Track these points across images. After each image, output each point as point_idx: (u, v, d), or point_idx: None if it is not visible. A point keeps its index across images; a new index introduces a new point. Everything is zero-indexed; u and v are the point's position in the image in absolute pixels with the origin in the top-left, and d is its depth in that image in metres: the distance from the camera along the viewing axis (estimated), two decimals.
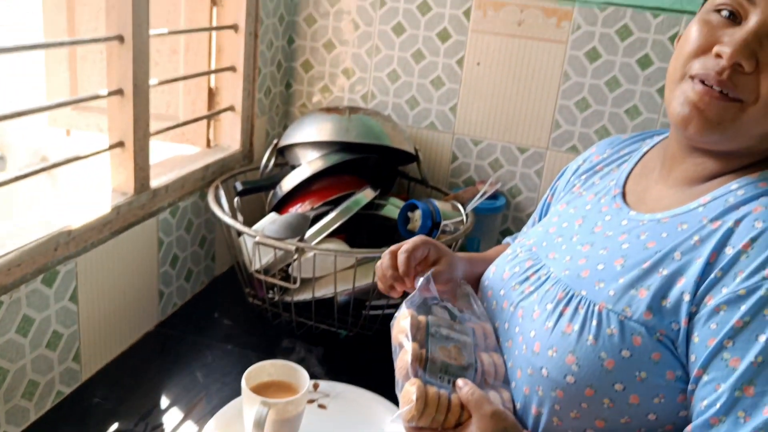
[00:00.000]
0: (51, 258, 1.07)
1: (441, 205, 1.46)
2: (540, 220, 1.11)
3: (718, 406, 0.68)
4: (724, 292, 0.71)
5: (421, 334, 0.85)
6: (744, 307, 0.69)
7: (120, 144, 1.24)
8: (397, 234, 1.46)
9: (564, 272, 0.85)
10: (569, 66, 1.60)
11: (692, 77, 0.76)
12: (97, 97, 1.18)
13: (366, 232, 1.54)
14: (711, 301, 0.71)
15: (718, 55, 0.74)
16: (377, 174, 1.61)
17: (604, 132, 1.61)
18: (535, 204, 1.71)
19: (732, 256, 0.71)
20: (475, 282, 1.04)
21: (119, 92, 1.20)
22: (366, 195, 1.39)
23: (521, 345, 0.86)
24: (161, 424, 1.11)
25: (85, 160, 1.17)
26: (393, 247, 1.00)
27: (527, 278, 0.90)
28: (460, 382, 0.81)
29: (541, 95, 1.63)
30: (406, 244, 0.98)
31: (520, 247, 0.98)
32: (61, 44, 1.12)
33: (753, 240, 0.71)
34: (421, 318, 0.88)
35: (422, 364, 0.82)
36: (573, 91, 1.61)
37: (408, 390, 0.80)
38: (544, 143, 1.67)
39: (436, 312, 0.91)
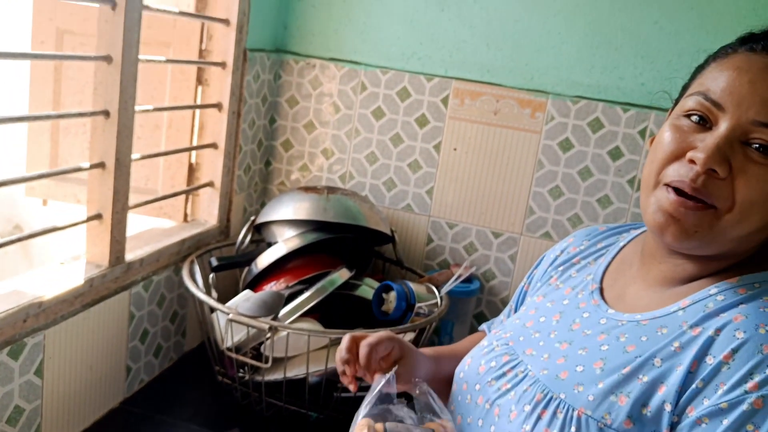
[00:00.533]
0: (20, 330, 1.05)
1: (416, 287, 1.47)
2: (517, 308, 1.10)
3: None
4: (705, 403, 0.70)
5: None
6: (726, 422, 0.68)
7: (98, 216, 1.24)
8: (372, 315, 1.46)
9: (542, 371, 0.83)
10: (543, 155, 1.65)
11: (667, 185, 0.76)
12: (79, 169, 1.19)
13: (340, 312, 1.53)
14: (693, 413, 0.70)
15: (692, 161, 0.74)
16: (353, 254, 1.62)
17: (576, 220, 1.65)
18: (509, 288, 1.72)
19: (713, 367, 0.71)
20: (442, 380, 1.02)
21: (101, 165, 1.21)
22: (341, 275, 1.40)
23: None
24: None
25: (56, 237, 1.17)
26: (356, 334, 0.98)
27: (504, 374, 0.88)
28: None
29: (516, 182, 1.67)
30: (371, 338, 0.96)
31: (496, 340, 0.96)
32: (48, 117, 1.14)
33: (734, 351, 0.70)
34: (378, 427, 0.86)
35: None
36: (546, 179, 1.65)
37: None
38: (518, 229, 1.70)
39: (395, 412, 0.89)
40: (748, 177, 0.72)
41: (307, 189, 1.59)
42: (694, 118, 0.76)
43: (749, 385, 0.68)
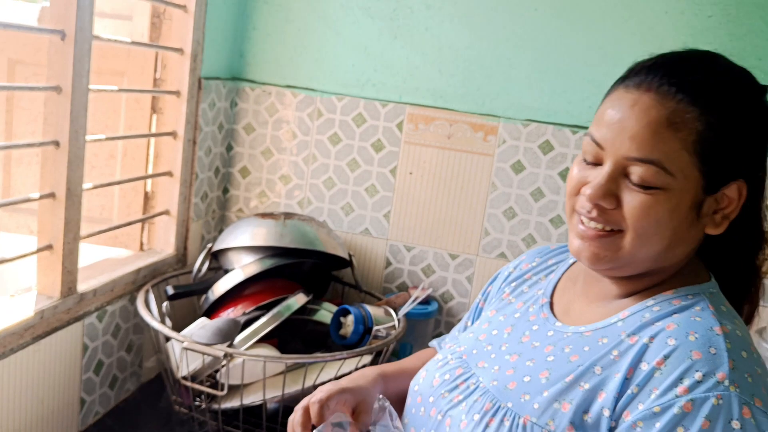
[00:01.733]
0: None
1: (373, 310, 1.48)
2: (472, 323, 1.12)
3: None
4: (640, 408, 0.72)
5: None
6: (659, 425, 0.70)
7: (48, 247, 1.23)
8: (331, 339, 1.47)
9: (492, 383, 0.86)
10: (496, 177, 1.68)
11: (576, 214, 0.83)
12: (28, 200, 1.18)
13: (299, 337, 1.54)
14: (628, 417, 0.73)
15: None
16: (311, 279, 1.63)
17: (530, 240, 1.68)
18: (467, 309, 1.74)
19: (647, 373, 0.73)
20: (395, 398, 1.01)
21: (51, 195, 1.21)
22: (298, 300, 1.40)
23: None
24: None
25: (6, 268, 1.16)
26: (304, 402, 0.94)
27: (456, 386, 0.90)
28: None
29: (471, 204, 1.70)
30: (319, 393, 0.93)
31: (450, 354, 0.98)
32: None
33: (666, 357, 0.73)
34: None
35: None
36: (500, 201, 1.69)
37: None
38: (474, 250, 1.72)
39: None
40: (633, 205, 0.77)
41: (264, 215, 1.60)
42: (588, 158, 0.82)
43: (679, 389, 0.70)
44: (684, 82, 0.76)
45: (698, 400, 0.69)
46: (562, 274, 0.98)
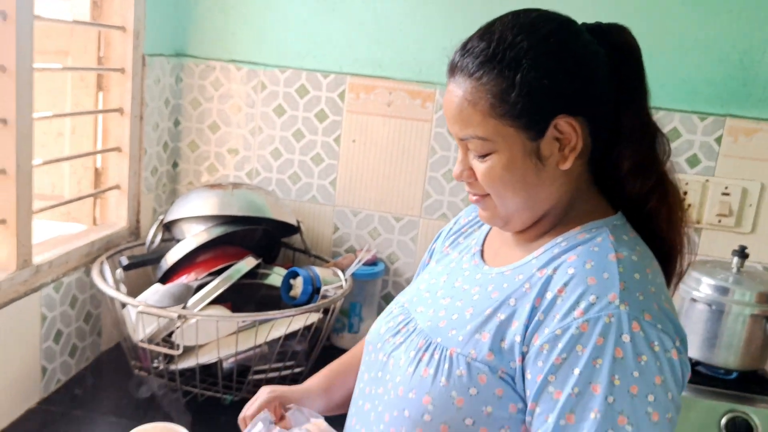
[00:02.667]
0: None
1: (321, 271, 1.56)
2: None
3: None
4: (546, 332, 0.81)
5: None
6: (560, 345, 0.79)
7: (2, 221, 1.27)
8: (282, 302, 1.54)
9: (427, 323, 0.95)
10: (435, 141, 1.76)
11: None
12: None
13: (252, 302, 1.61)
14: (537, 341, 0.82)
15: None
16: (262, 245, 1.70)
17: (468, 200, 1.77)
18: (413, 268, 1.83)
19: (550, 300, 0.82)
20: (340, 404, 1.13)
21: (2, 172, 1.25)
22: (247, 263, 1.47)
23: (390, 390, 0.94)
24: None
25: None
26: (242, 414, 1.08)
27: (399, 331, 0.99)
28: None
29: (412, 168, 1.79)
30: (250, 409, 1.06)
31: (395, 304, 1.08)
32: None
33: (565, 285, 0.82)
34: None
35: None
36: (440, 164, 1.77)
37: None
38: (417, 212, 1.81)
39: None
40: (479, 174, 0.89)
41: (213, 186, 1.66)
42: None
43: (576, 312, 0.79)
44: (468, 57, 0.87)
45: (592, 320, 0.78)
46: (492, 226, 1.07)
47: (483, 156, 0.87)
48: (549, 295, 0.83)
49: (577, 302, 0.80)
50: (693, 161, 1.69)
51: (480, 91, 0.85)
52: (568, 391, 0.78)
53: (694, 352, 1.49)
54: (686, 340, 0.84)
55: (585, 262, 0.83)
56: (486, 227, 1.07)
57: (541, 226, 0.93)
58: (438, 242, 1.18)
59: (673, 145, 1.68)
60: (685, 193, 1.69)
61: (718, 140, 1.67)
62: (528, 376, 0.83)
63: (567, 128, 0.85)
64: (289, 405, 1.08)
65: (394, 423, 0.92)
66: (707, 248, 1.71)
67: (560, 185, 0.90)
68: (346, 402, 1.11)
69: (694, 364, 1.51)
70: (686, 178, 1.68)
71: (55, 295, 1.41)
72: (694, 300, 1.49)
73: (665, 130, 1.66)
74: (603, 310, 0.79)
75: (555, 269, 0.85)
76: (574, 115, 0.85)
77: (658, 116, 1.65)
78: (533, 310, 0.84)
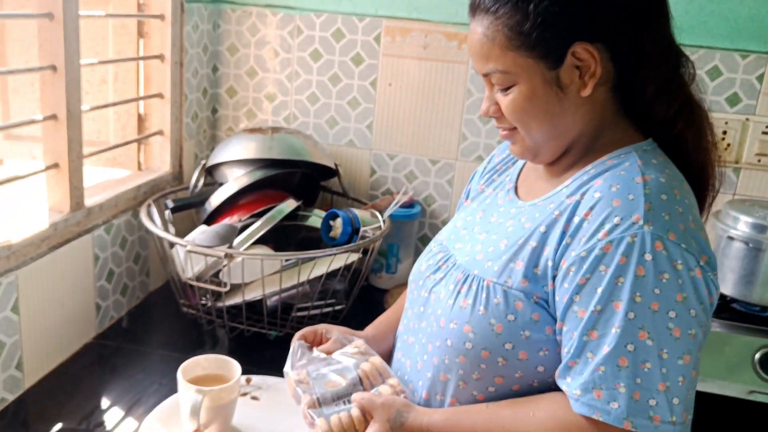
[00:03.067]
0: None
1: (360, 213, 1.59)
2: None
3: (572, 350, 0.83)
4: (572, 255, 0.84)
5: (305, 386, 1.02)
6: (585, 266, 0.82)
7: (55, 165, 1.32)
8: (322, 242, 1.58)
9: (465, 258, 0.99)
10: (471, 84, 1.77)
11: None
12: (32, 122, 1.27)
13: (293, 241, 1.66)
14: (564, 264, 0.85)
15: None
16: (301, 188, 1.74)
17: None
18: (449, 210, 1.86)
19: (577, 224, 0.85)
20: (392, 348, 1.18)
21: (53, 117, 1.30)
22: (289, 205, 1.51)
23: (432, 323, 0.99)
24: (103, 422, 1.20)
25: (19, 188, 1.26)
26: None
27: (439, 268, 1.04)
28: (354, 395, 0.99)
29: (448, 111, 1.80)
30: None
31: (434, 243, 1.12)
32: None
33: (591, 208, 0.84)
34: (302, 372, 1.05)
35: (316, 405, 1.00)
36: (476, 106, 1.78)
37: (317, 429, 0.98)
38: (453, 155, 1.83)
39: (312, 360, 1.09)
40: (504, 107, 0.91)
41: (253, 130, 1.69)
42: None
43: (601, 234, 0.82)
44: None
45: (616, 240, 0.81)
46: (526, 162, 1.09)
47: (506, 89, 0.90)
48: (576, 219, 0.86)
49: (602, 224, 0.83)
50: (733, 100, 1.67)
51: (497, 25, 0.87)
52: (591, 309, 0.81)
53: (731, 289, 1.51)
54: (714, 261, 0.85)
55: (611, 186, 0.85)
56: (519, 164, 1.10)
57: (571, 157, 0.95)
58: (473, 182, 1.21)
59: (713, 84, 1.68)
60: (725, 132, 1.68)
61: (760, 78, 1.65)
62: (557, 297, 0.86)
63: (585, 55, 0.86)
64: (330, 333, 1.15)
65: (437, 352, 0.97)
66: (746, 188, 1.71)
67: (584, 113, 0.91)
68: (390, 351, 1.16)
69: (730, 301, 1.53)
70: (726, 117, 1.67)
71: (106, 237, 1.48)
72: (731, 238, 1.49)
73: (705, 68, 1.66)
74: (627, 230, 0.81)
75: (582, 194, 0.88)
76: (591, 42, 0.86)
77: (698, 55, 1.65)
78: (562, 234, 0.87)
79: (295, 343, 1.12)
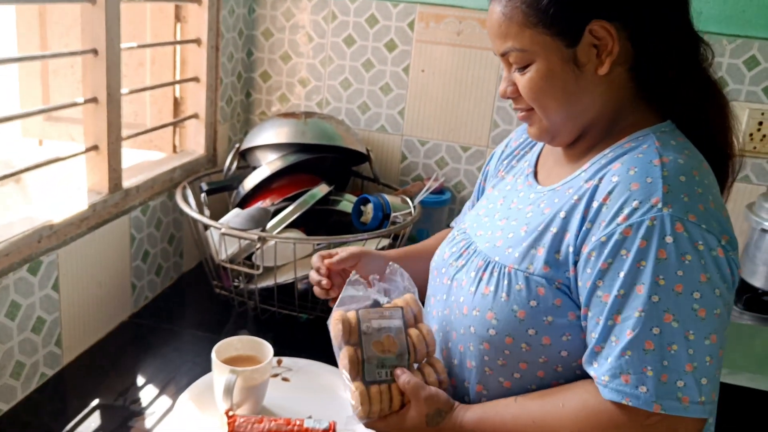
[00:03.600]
0: (35, 249, 1.19)
1: (391, 198, 1.60)
2: (478, 199, 1.25)
3: (597, 335, 0.83)
4: (593, 240, 0.84)
5: (354, 336, 0.97)
6: (606, 251, 0.82)
7: (95, 147, 1.35)
8: (353, 227, 1.60)
9: (485, 245, 1.00)
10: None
11: None
12: (74, 104, 1.30)
13: (324, 225, 1.68)
14: (585, 249, 0.85)
15: None
16: (333, 173, 1.75)
17: None
18: None
19: (596, 209, 0.85)
20: (416, 275, 1.14)
21: (94, 100, 1.32)
22: (321, 189, 1.53)
23: (455, 310, 1.00)
24: (139, 399, 1.23)
25: (58, 169, 1.29)
26: (317, 260, 1.17)
27: (461, 255, 1.04)
28: (397, 371, 0.96)
29: (481, 98, 1.79)
30: (334, 258, 1.15)
31: (457, 231, 1.13)
32: (43, 57, 1.24)
33: (609, 193, 0.84)
34: (351, 315, 0.99)
35: (360, 366, 0.96)
36: None
37: (353, 394, 0.95)
38: (485, 142, 1.83)
39: (364, 303, 1.02)
40: (521, 87, 0.91)
41: (286, 115, 1.71)
42: None
43: (620, 218, 0.82)
44: None
45: (635, 224, 0.81)
46: (544, 146, 1.09)
47: (523, 68, 0.90)
48: (595, 204, 0.86)
49: (621, 208, 0.82)
50: None
51: (515, 2, 0.87)
52: (615, 293, 0.81)
53: (763, 282, 1.49)
54: (735, 240, 0.85)
55: (629, 169, 0.85)
56: (537, 148, 1.09)
57: (589, 140, 0.95)
58: (491, 164, 1.21)
59: (750, 74, 1.65)
60: (760, 123, 1.65)
61: None
62: (580, 283, 0.87)
63: (602, 33, 0.86)
64: (391, 265, 1.07)
65: (462, 340, 0.98)
66: None
67: (602, 93, 0.91)
68: (415, 276, 1.11)
69: (762, 294, 1.51)
70: (763, 108, 1.64)
71: (143, 218, 1.51)
72: (764, 230, 1.48)
73: (743, 58, 1.64)
74: (646, 213, 0.80)
75: (600, 179, 0.87)
76: (609, 20, 0.86)
77: (736, 44, 1.63)
78: (582, 220, 0.87)
79: (351, 278, 1.04)
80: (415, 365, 0.99)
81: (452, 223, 1.35)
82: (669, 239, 0.80)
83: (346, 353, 0.96)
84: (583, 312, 0.87)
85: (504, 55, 0.92)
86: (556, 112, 0.91)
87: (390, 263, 1.07)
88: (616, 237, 0.82)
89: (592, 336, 0.85)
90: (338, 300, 1.01)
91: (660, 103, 0.93)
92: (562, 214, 0.90)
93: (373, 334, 0.97)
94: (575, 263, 0.87)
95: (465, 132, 1.83)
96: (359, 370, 0.96)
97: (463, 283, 0.99)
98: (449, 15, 1.76)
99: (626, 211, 0.82)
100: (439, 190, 1.80)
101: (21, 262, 1.16)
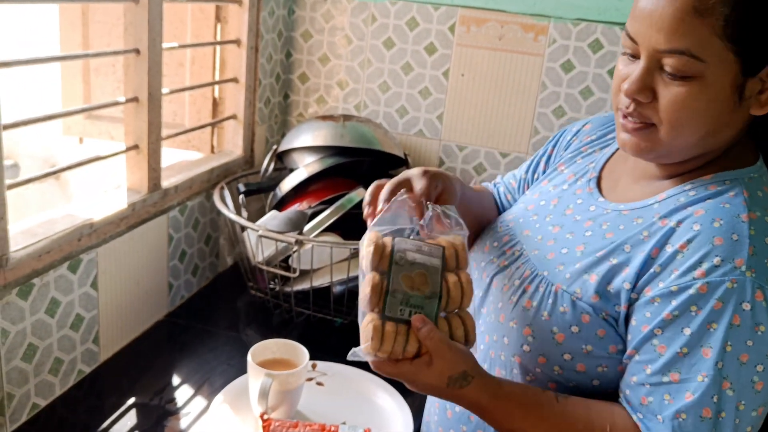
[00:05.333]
0: (75, 247, 1.19)
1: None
2: (525, 173, 1.15)
3: (647, 386, 0.79)
4: (660, 285, 0.79)
5: (384, 263, 0.83)
6: (675, 302, 0.77)
7: (135, 147, 1.36)
8: None
9: (534, 251, 0.94)
10: (546, 77, 1.73)
11: (619, 110, 0.85)
12: (115, 103, 1.31)
13: (361, 229, 1.66)
14: (649, 292, 0.80)
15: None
16: (369, 177, 1.73)
17: None
18: None
19: (670, 254, 0.79)
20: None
21: (135, 100, 1.33)
22: (359, 194, 1.52)
23: (491, 313, 0.96)
24: (174, 399, 1.23)
25: (97, 167, 1.29)
26: (373, 188, 0.95)
27: (503, 253, 0.98)
28: (417, 321, 0.81)
29: (521, 104, 1.77)
30: (419, 183, 0.92)
31: (501, 222, 1.05)
32: (85, 56, 1.25)
33: (689, 241, 0.78)
34: (387, 241, 0.85)
35: (382, 296, 0.82)
36: (550, 100, 1.74)
37: (366, 326, 0.82)
38: (524, 148, 1.80)
39: (404, 227, 0.88)
40: (667, 99, 0.79)
41: (325, 117, 1.70)
42: (627, 53, 0.84)
43: (697, 272, 0.76)
44: None
45: (714, 283, 0.75)
46: (616, 150, 1.00)
47: (682, 78, 0.77)
48: (669, 249, 0.80)
49: (699, 262, 0.77)
50: None
51: (715, 5, 0.74)
52: (675, 350, 0.77)
53: None
54: None
55: (713, 220, 0.79)
56: (609, 150, 1.01)
57: (679, 167, 0.87)
58: (557, 148, 1.11)
59: None
60: None
61: None
62: (633, 322, 0.82)
63: None
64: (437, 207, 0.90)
65: (493, 346, 0.95)
66: None
67: (739, 130, 0.83)
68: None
69: None
70: None
71: (180, 218, 1.51)
72: None
73: None
74: (727, 274, 0.75)
75: (679, 222, 0.81)
76: None
77: None
78: (648, 260, 0.81)
79: (399, 196, 0.89)
80: (443, 314, 0.85)
81: (489, 185, 1.22)
82: (747, 306, 0.75)
83: (370, 280, 0.83)
84: (630, 353, 0.82)
85: (660, 53, 0.78)
86: (689, 137, 0.81)
87: (428, 206, 0.90)
88: (690, 291, 0.77)
89: (634, 380, 0.81)
90: (377, 217, 0.88)
91: (759, 144, 0.87)
92: (626, 248, 0.84)
93: (405, 266, 0.83)
94: (631, 301, 0.82)
95: (504, 138, 1.80)
96: (379, 302, 0.82)
97: (504, 289, 0.94)
98: (491, 19, 1.74)
99: (705, 266, 0.76)
100: None
101: (61, 259, 1.16)
